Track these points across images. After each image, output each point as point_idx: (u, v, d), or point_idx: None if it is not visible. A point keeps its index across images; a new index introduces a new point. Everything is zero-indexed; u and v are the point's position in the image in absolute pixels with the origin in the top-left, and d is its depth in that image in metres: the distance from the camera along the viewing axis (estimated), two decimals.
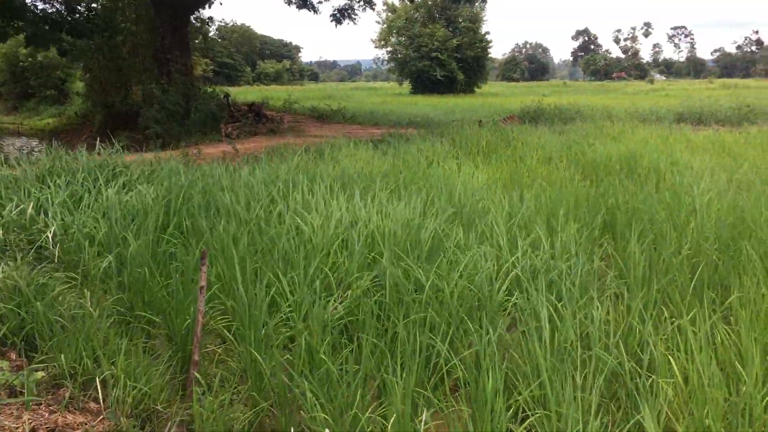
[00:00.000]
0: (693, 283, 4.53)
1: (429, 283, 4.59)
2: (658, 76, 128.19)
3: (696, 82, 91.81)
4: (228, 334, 4.74)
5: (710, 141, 14.22)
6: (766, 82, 75.68)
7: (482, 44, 56.11)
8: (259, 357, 4.05)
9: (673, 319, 4.20)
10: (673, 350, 3.74)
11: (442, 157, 10.91)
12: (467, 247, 5.74)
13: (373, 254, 5.70)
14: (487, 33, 56.90)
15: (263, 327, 4.57)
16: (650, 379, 3.57)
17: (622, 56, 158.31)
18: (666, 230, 5.96)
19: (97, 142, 9.17)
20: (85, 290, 5.08)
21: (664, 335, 3.86)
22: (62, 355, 3.91)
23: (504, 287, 4.80)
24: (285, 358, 4.30)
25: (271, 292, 5.14)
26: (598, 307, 4.03)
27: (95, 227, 6.39)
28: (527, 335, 3.90)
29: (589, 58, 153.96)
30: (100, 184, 7.52)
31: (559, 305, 4.27)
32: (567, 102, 23.99)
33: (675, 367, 3.48)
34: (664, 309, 4.31)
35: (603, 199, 7.30)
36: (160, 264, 5.79)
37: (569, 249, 5.62)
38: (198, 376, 3.96)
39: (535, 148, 11.93)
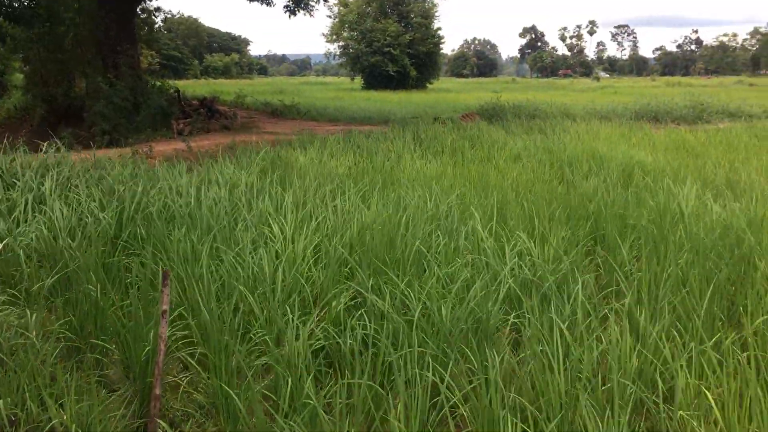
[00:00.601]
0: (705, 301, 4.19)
1: (420, 307, 4.14)
2: (602, 73, 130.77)
3: (640, 80, 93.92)
4: (192, 361, 4.20)
5: (671, 139, 14.19)
6: (707, 80, 77.87)
7: (434, 40, 55.93)
8: (232, 392, 3.54)
9: (687, 342, 3.86)
10: (699, 378, 3.39)
11: (409, 157, 10.48)
12: (450, 257, 5.32)
13: (349, 266, 5.23)
14: (439, 29, 56.86)
15: (233, 354, 4.06)
16: (677, 413, 3.21)
17: (568, 54, 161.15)
18: (657, 239, 5.66)
19: (39, 140, 8.42)
20: (28, 311, 4.48)
21: (684, 362, 3.51)
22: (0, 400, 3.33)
23: (498, 305, 4.39)
24: (260, 389, 3.79)
25: (240, 310, 4.63)
26: (613, 328, 3.65)
27: (37, 238, 5.74)
28: (536, 361, 3.50)
29: (537, 56, 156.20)
30: (44, 189, 6.83)
31: (563, 327, 3.88)
32: (524, 99, 23.86)
33: (710, 400, 3.11)
34: (677, 329, 3.97)
35: (582, 203, 6.98)
36: (114, 280, 5.20)
37: (559, 259, 5.26)
38: (160, 422, 3.42)
39: (502, 147, 11.61)
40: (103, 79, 13.25)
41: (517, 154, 10.85)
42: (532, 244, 5.36)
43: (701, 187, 8.13)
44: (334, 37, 57.02)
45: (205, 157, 10.85)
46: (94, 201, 6.58)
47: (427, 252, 5.32)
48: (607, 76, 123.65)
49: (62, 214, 6.28)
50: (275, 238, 5.47)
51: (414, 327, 3.95)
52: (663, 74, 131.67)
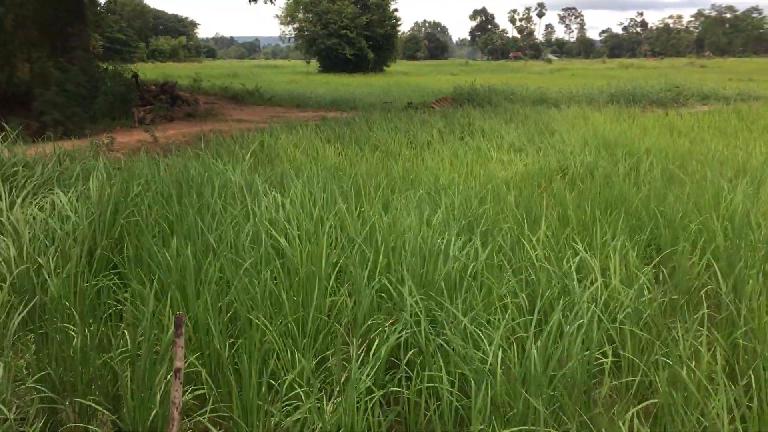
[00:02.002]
0: None
1: (495, 349, 3.31)
2: (550, 56, 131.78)
3: (590, 62, 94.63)
4: (206, 423, 3.32)
5: (660, 124, 13.69)
6: (658, 62, 78.85)
7: (392, 21, 54.87)
8: None
9: None
10: None
11: (398, 149, 9.63)
12: (496, 273, 4.52)
13: (380, 282, 4.37)
14: (396, 10, 55.78)
15: (263, 417, 3.20)
16: None
17: (518, 36, 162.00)
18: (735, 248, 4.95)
19: None
20: None
21: None
22: None
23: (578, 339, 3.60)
24: None
25: (263, 349, 3.75)
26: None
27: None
28: None
29: (487, 38, 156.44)
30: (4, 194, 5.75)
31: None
32: (492, 82, 23.17)
33: None
34: None
35: (620, 201, 6.25)
36: (93, 306, 4.26)
37: (622, 272, 4.51)
38: None
39: (495, 136, 10.86)
40: (54, 64, 11.95)
41: (513, 144, 10.10)
42: (593, 257, 4.59)
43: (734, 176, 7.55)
44: (289, 19, 55.39)
45: (173, 149, 9.81)
46: (67, 206, 5.55)
47: (472, 267, 4.50)
48: (556, 58, 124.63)
49: (28, 224, 5.25)
50: (288, 252, 4.57)
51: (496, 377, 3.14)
52: (610, 56, 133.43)
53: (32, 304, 4.51)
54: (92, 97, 12.17)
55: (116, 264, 5.08)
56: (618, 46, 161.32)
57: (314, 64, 56.58)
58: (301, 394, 3.44)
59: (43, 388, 3.49)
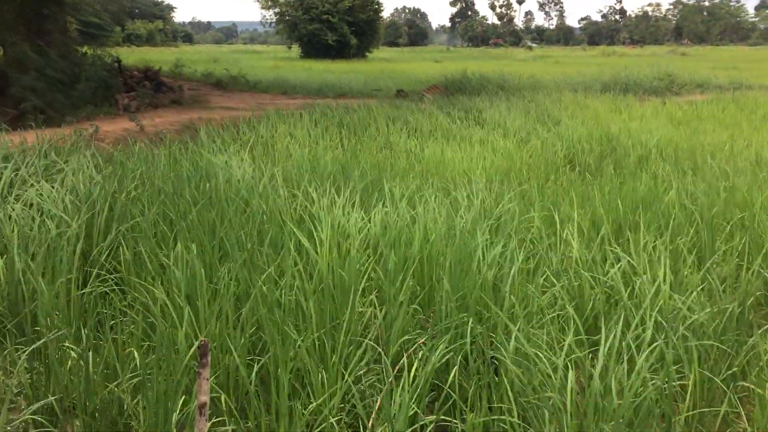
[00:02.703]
0: None
1: (559, 374, 2.92)
2: (530, 43, 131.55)
3: (574, 50, 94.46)
4: None
5: (660, 113, 13.42)
6: (640, 50, 78.86)
7: (374, 6, 54.10)
8: None
9: None
10: None
11: (402, 139, 9.22)
12: (533, 279, 4.14)
13: (412, 292, 3.96)
14: None
15: None
16: None
17: (498, 23, 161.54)
18: None
19: None
20: None
21: None
22: None
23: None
24: None
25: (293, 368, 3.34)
26: None
27: None
28: None
29: (467, 24, 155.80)
30: None
31: None
32: (485, 70, 22.75)
33: None
34: None
35: (653, 199, 5.88)
36: (90, 323, 3.80)
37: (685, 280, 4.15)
38: None
39: (497, 126, 10.48)
40: (31, 47, 11.31)
41: (518, 135, 9.74)
42: (643, 263, 4.22)
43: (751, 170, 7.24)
44: (270, 3, 54.35)
45: (162, 139, 9.30)
46: (58, 202, 5.07)
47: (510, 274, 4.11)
48: (536, 45, 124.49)
49: (11, 223, 4.77)
50: (312, 256, 4.14)
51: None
52: (590, 44, 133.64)
53: (21, 315, 4.07)
54: (73, 82, 11.55)
55: (111, 267, 4.63)
56: (597, 33, 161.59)
57: (296, 49, 55.66)
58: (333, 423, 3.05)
59: (42, 420, 3.06)
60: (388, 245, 4.26)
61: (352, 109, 11.61)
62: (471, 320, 3.63)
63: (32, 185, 5.83)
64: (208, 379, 2.58)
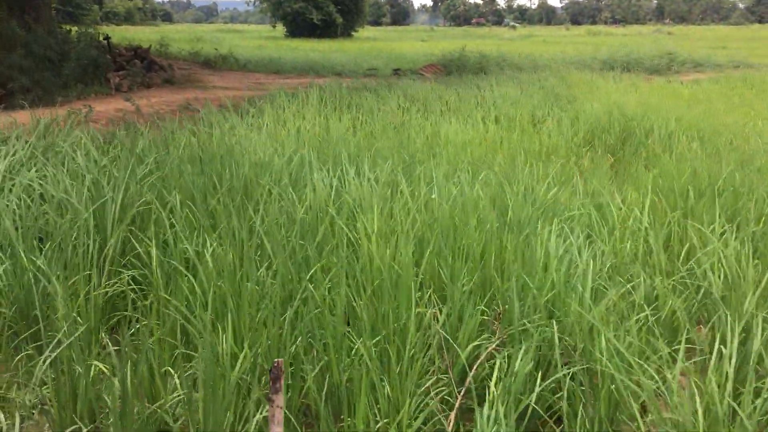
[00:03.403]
0: None
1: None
2: (512, 22, 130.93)
3: (558, 29, 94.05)
4: None
5: (668, 93, 13.08)
6: (625, 29, 78.59)
7: None
8: None
9: None
10: None
11: (417, 120, 8.77)
12: (604, 278, 3.75)
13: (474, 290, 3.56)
14: None
15: None
16: None
17: (480, 2, 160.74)
18: None
19: None
20: None
21: None
22: None
23: None
24: None
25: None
26: None
27: None
28: None
29: (450, 3, 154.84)
30: None
31: None
32: (478, 49, 22.26)
33: None
34: None
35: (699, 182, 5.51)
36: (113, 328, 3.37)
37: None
38: None
39: (510, 105, 10.06)
40: (18, 23, 10.66)
41: (543, 116, 9.33)
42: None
43: None
44: None
45: (155, 120, 8.78)
46: (63, 185, 4.59)
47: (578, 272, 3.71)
48: (518, 25, 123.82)
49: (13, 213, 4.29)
50: (363, 250, 3.71)
51: None
52: (572, 23, 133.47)
53: (35, 320, 3.62)
54: (61, 60, 10.94)
55: (127, 262, 4.17)
56: (579, 13, 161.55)
57: (280, 28, 54.66)
58: None
59: None
60: (440, 234, 3.84)
61: (356, 89, 11.13)
62: (543, 322, 3.25)
63: (33, 170, 5.34)
64: (282, 407, 2.17)
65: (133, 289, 3.98)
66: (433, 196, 4.23)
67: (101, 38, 13.89)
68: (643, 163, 7.22)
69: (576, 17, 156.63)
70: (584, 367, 2.91)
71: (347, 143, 6.18)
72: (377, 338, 3.19)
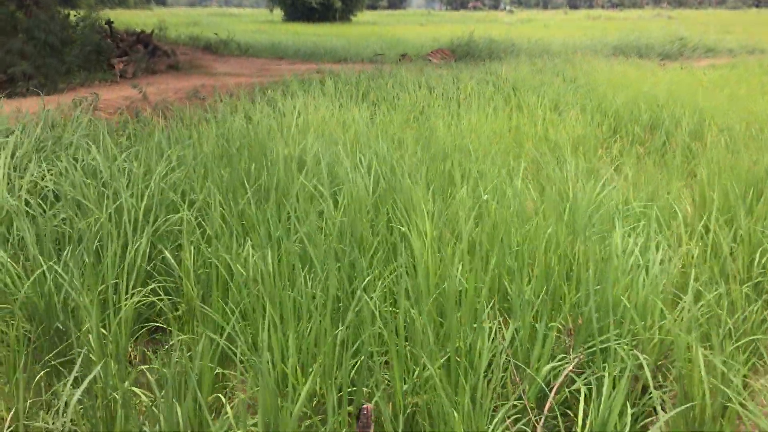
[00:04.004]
0: None
1: None
2: (509, 6, 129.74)
3: (556, 13, 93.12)
4: None
5: (687, 79, 12.74)
6: (626, 13, 77.83)
7: None
8: None
9: None
10: None
11: (438, 109, 8.43)
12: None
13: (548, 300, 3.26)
14: None
15: None
16: None
17: None
18: None
19: None
20: None
21: None
22: None
23: None
24: None
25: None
26: None
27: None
28: None
29: None
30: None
31: None
32: (482, 33, 21.82)
33: None
34: None
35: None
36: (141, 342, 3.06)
37: None
38: None
39: (531, 93, 9.71)
40: (17, 7, 10.23)
41: (566, 104, 8.99)
42: None
43: None
44: None
45: (166, 108, 8.43)
46: (76, 182, 4.26)
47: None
48: (516, 8, 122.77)
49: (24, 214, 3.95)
50: (419, 258, 3.39)
51: None
52: (570, 7, 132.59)
53: (57, 338, 3.31)
54: (64, 46, 10.52)
55: (151, 268, 3.85)
56: None
57: (277, 13, 53.90)
58: None
59: None
60: (499, 240, 3.52)
61: (369, 75, 10.77)
62: (625, 340, 2.95)
63: (44, 165, 5.00)
64: None
65: (161, 298, 3.68)
66: (484, 197, 3.91)
67: (103, 23, 13.45)
68: (680, 154, 6.92)
69: (573, 1, 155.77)
70: (678, 392, 2.61)
71: (375, 136, 5.84)
72: (444, 359, 2.89)
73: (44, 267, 3.39)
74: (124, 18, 39.10)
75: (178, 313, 3.63)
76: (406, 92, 9.19)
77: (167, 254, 3.61)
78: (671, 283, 3.35)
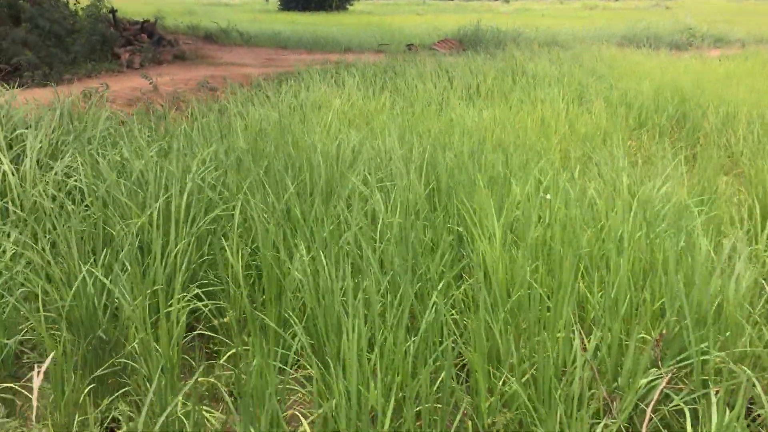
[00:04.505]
0: None
1: None
2: None
3: (552, 3, 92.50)
4: None
5: (702, 70, 12.54)
6: (623, 3, 77.43)
7: None
8: None
9: None
10: None
11: (460, 104, 8.21)
12: None
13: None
14: None
15: None
16: None
17: None
18: None
19: None
20: None
21: None
22: None
23: None
24: None
25: None
26: None
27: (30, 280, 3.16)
28: None
29: None
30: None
31: None
32: (487, 22, 21.53)
33: None
34: None
35: None
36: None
37: None
38: None
39: (552, 84, 9.48)
40: None
41: (588, 96, 8.78)
42: None
43: None
44: None
45: (176, 101, 8.18)
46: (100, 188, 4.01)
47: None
48: None
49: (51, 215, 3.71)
50: (489, 264, 3.18)
51: None
52: None
53: (100, 350, 3.09)
54: (69, 35, 10.21)
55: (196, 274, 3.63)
56: None
57: (273, 1, 53.36)
58: None
59: None
60: (570, 244, 3.31)
61: (383, 67, 10.52)
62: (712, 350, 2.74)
63: (67, 159, 4.75)
64: None
65: (205, 304, 3.46)
66: (547, 196, 3.69)
67: (107, 11, 13.11)
68: (715, 146, 6.74)
69: None
70: None
71: (407, 129, 5.61)
72: (526, 376, 2.68)
73: (84, 271, 3.16)
74: (120, 5, 38.45)
75: (225, 319, 3.42)
76: (424, 83, 8.95)
77: (217, 256, 3.38)
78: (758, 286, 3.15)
